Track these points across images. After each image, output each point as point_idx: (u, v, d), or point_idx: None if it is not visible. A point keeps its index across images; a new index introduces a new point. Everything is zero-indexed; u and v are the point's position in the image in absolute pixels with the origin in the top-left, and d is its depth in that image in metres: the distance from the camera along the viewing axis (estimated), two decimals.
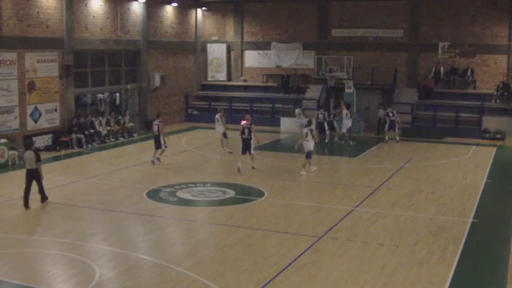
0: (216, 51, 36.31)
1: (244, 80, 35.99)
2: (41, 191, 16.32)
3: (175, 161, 22.46)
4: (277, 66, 34.95)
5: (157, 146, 21.82)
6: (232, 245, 13.15)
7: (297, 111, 30.81)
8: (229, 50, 36.44)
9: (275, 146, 26.00)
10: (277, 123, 31.06)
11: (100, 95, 27.66)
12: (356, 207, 16.31)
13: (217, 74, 36.46)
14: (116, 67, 29.18)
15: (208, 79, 36.42)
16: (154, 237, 13.83)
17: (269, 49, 35.07)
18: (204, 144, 26.43)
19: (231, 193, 17.81)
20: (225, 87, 35.85)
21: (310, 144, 20.48)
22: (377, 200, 17.19)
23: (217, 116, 24.67)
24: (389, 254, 12.61)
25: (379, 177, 20.07)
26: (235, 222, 14.87)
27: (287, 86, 33.77)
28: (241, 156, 20.93)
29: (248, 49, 35.98)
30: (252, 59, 35.99)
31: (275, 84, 34.69)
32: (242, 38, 35.93)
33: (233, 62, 36.50)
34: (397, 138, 27.39)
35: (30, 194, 16.05)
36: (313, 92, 33.06)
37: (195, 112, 33.90)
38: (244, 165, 20.62)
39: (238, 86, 35.58)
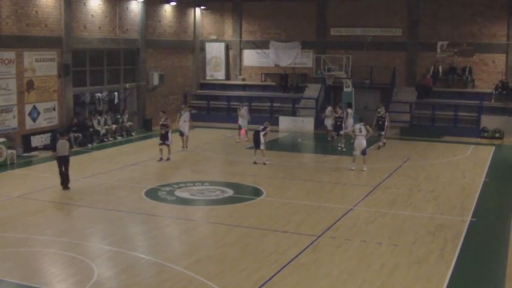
0: (215, 50, 36.30)
1: (243, 79, 35.99)
2: (67, 177, 17.69)
3: (174, 160, 22.43)
4: (276, 65, 34.95)
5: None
6: (231, 244, 13.15)
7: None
8: (227, 49, 36.44)
9: (274, 145, 25.97)
10: (275, 122, 30.99)
11: (98, 94, 27.65)
12: (355, 206, 16.31)
13: (216, 73, 36.46)
14: (114, 66, 29.15)
15: (207, 78, 36.40)
16: (152, 236, 13.82)
17: (268, 48, 35.08)
18: (202, 143, 26.44)
19: (229, 192, 17.80)
20: (224, 86, 35.85)
21: (364, 140, 20.91)
22: (376, 199, 17.19)
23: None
24: (388, 253, 12.61)
25: (377, 176, 20.07)
26: (234, 221, 14.86)
27: (286, 85, 33.78)
28: (255, 150, 21.83)
29: (247, 48, 35.99)
30: (251, 58, 36.00)
31: (274, 83, 34.69)
32: (241, 37, 35.93)
33: (232, 61, 36.51)
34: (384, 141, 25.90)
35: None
36: (312, 91, 33.08)
37: (194, 111, 33.79)
38: (244, 164, 20.66)
39: (237, 85, 35.58)
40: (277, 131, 29.90)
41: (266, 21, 35.30)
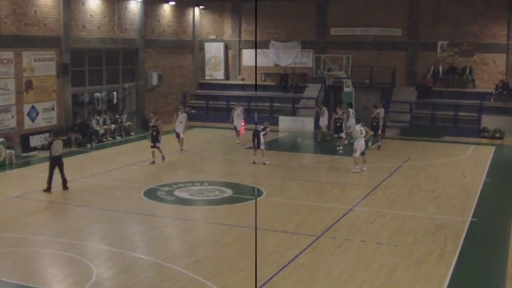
0: (214, 50, 36.25)
1: (242, 79, 35.95)
2: (64, 177, 17.50)
3: (173, 160, 22.39)
4: (276, 65, 34.90)
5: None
6: (230, 244, 13.11)
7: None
8: (226, 48, 36.40)
9: (273, 145, 25.91)
10: (275, 122, 30.94)
11: (97, 94, 27.60)
12: (354, 206, 16.26)
13: (215, 72, 36.41)
14: (113, 66, 29.09)
15: (206, 78, 36.35)
16: (151, 236, 13.76)
17: (267, 48, 35.02)
18: (201, 143, 26.39)
19: (228, 192, 17.75)
20: (223, 86, 35.80)
21: (364, 142, 20.77)
22: (376, 199, 17.15)
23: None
24: (388, 253, 12.57)
25: (377, 176, 20.02)
26: (233, 222, 14.82)
27: (285, 84, 33.73)
28: (255, 150, 21.70)
29: (246, 48, 35.94)
30: (250, 57, 35.91)
31: (273, 83, 34.64)
32: (240, 36, 35.89)
33: (231, 60, 36.48)
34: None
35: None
36: (312, 90, 33.03)
37: (193, 111, 33.79)
38: (243, 164, 20.61)
39: (236, 85, 35.53)
40: (277, 131, 29.87)
41: (266, 21, 35.22)
